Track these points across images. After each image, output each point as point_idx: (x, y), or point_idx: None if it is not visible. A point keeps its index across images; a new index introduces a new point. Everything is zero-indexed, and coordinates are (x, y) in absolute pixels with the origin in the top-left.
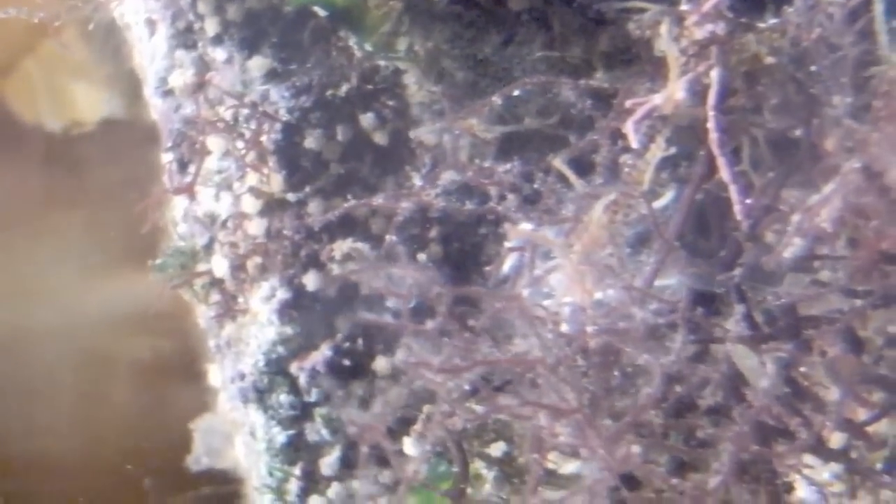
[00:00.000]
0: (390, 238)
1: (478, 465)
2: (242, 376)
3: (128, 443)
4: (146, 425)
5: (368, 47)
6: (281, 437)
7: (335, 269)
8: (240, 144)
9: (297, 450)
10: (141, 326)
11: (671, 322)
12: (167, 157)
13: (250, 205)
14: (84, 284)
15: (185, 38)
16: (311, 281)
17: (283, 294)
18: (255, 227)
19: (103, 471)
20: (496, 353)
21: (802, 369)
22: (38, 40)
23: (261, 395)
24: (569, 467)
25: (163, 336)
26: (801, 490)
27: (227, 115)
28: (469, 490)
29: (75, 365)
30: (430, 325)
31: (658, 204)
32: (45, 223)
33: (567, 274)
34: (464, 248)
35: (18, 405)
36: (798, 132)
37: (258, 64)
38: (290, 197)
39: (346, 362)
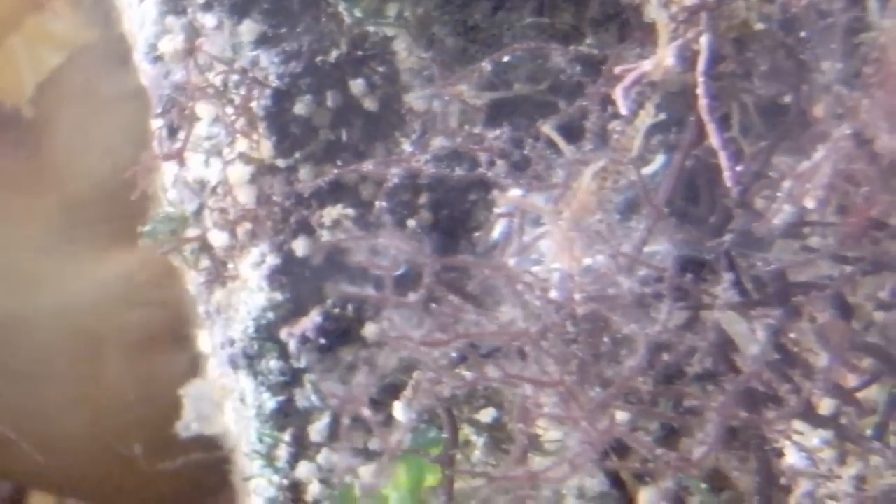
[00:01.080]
0: (380, 204)
1: (467, 432)
2: (232, 342)
3: (119, 413)
4: (137, 393)
5: (358, 13)
6: (271, 403)
7: (325, 236)
8: (229, 110)
9: (287, 416)
10: (130, 295)
11: (660, 289)
12: (157, 124)
13: (240, 171)
14: (72, 259)
15: (175, 3)
16: (300, 247)
17: (272, 260)
18: (245, 193)
19: (100, 446)
20: (483, 322)
21: (792, 336)
22: (25, 16)
23: (250, 361)
24: (556, 434)
25: (152, 303)
26: (791, 456)
27: (216, 81)
28: (458, 456)
29: (67, 339)
30: (412, 297)
31: (647, 170)
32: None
33: (556, 240)
34: (453, 215)
35: (14, 388)
36: (788, 99)
37: (248, 30)
38: (280, 163)
39: (336, 328)
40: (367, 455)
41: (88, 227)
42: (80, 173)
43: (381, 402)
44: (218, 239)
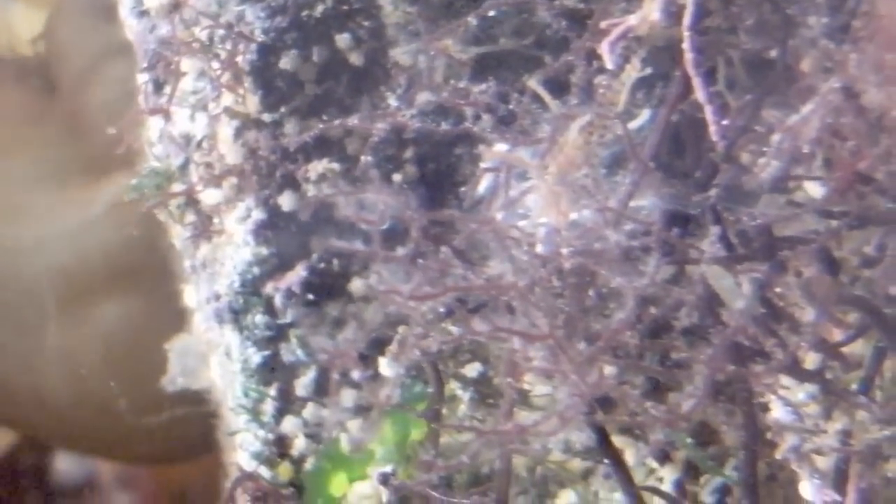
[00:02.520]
0: (365, 159)
1: (453, 386)
2: (218, 297)
3: (107, 365)
4: (123, 345)
5: None
6: (256, 357)
7: (311, 190)
8: (215, 65)
9: (273, 370)
10: (117, 235)
11: (646, 243)
12: (142, 78)
13: (226, 125)
14: (61, 193)
15: None
16: (286, 201)
17: (258, 214)
18: (231, 147)
19: (85, 398)
20: (470, 276)
21: (778, 290)
22: None
23: (236, 316)
24: (543, 389)
25: (139, 245)
26: (777, 411)
27: (202, 35)
28: (444, 411)
29: (50, 275)
30: (400, 251)
31: (633, 125)
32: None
33: (542, 195)
34: (439, 169)
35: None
36: (774, 53)
37: None
38: (266, 117)
39: (322, 283)
40: (355, 410)
41: (82, 162)
42: (80, 111)
43: (368, 357)
44: (210, 197)
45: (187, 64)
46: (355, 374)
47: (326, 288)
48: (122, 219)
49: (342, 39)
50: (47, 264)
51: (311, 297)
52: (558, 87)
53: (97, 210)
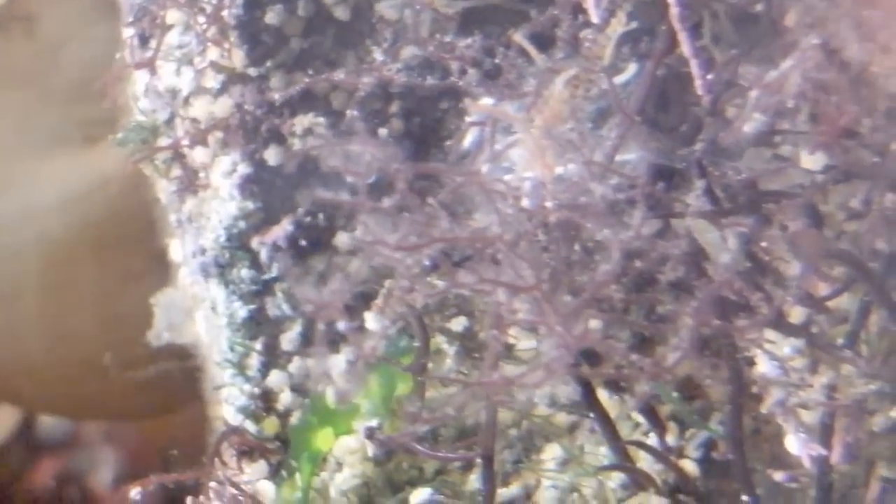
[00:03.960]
0: (351, 113)
1: (439, 340)
2: (203, 251)
3: (90, 323)
4: (108, 303)
5: None
6: (242, 311)
7: (296, 144)
8: (201, 19)
9: (259, 324)
10: (102, 199)
11: (632, 197)
12: (128, 32)
13: (211, 80)
14: (44, 159)
15: None
16: (272, 156)
17: (244, 169)
18: (216, 102)
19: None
20: (456, 229)
21: (763, 244)
22: None
23: (222, 270)
24: (529, 343)
25: (124, 208)
26: (762, 365)
27: None
28: (430, 365)
29: (36, 242)
30: (387, 202)
31: (619, 79)
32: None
33: (528, 149)
34: (425, 123)
35: None
36: (759, 7)
37: None
38: (252, 72)
39: (307, 237)
40: (340, 363)
41: (64, 126)
42: (62, 71)
43: (354, 311)
44: (196, 151)
45: (173, 18)
46: (341, 325)
47: (312, 242)
48: (109, 188)
49: None
50: (34, 235)
51: (296, 251)
52: (544, 41)
53: (83, 180)
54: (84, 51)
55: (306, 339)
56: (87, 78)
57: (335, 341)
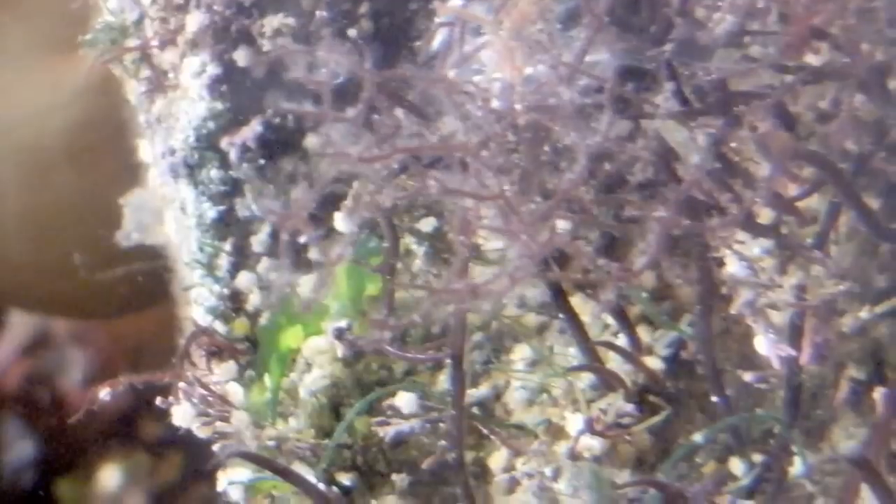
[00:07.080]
0: (320, 14)
1: (408, 241)
2: (173, 151)
3: (62, 224)
4: (79, 203)
5: None
6: (211, 212)
7: (266, 46)
8: None
9: (228, 225)
10: (72, 104)
11: (601, 98)
12: None
13: None
14: (17, 72)
15: None
16: (241, 56)
17: (213, 69)
18: (185, 2)
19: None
20: (424, 134)
21: (733, 145)
22: None
23: (191, 171)
24: (498, 243)
25: (95, 112)
26: (732, 265)
27: None
28: (399, 265)
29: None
30: (350, 112)
31: None
32: None
33: (497, 50)
34: (394, 24)
35: None
36: None
37: None
38: None
39: (276, 137)
40: (308, 266)
41: (33, 38)
42: None
43: (321, 214)
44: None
45: None
46: (305, 237)
47: (281, 143)
48: (81, 96)
49: None
50: (10, 145)
51: (265, 151)
52: None
53: (56, 90)
54: None
55: (276, 240)
56: None
57: (300, 251)
